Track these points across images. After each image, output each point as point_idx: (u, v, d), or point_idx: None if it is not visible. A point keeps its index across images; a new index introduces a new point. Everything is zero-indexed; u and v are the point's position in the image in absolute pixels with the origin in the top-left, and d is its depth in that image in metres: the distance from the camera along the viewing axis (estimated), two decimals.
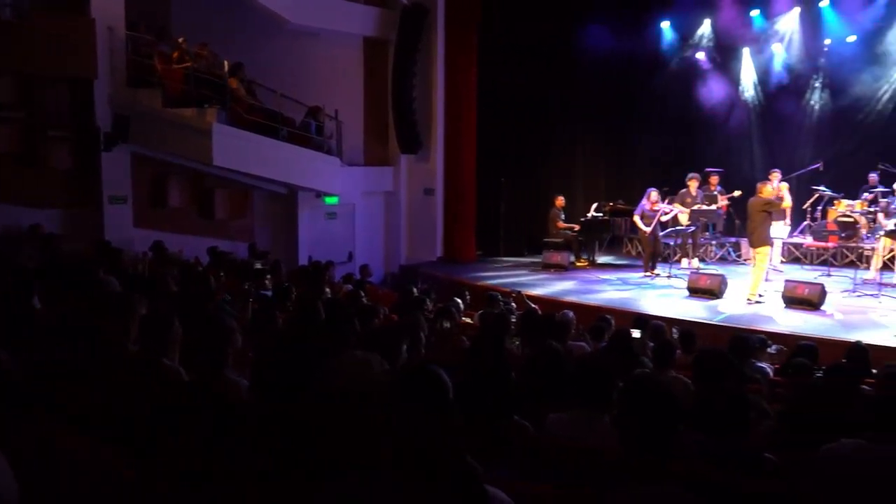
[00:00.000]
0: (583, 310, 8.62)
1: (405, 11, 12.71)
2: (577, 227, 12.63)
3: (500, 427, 3.05)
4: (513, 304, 8.23)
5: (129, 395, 2.77)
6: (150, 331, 3.42)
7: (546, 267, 12.11)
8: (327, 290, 7.34)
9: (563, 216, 12.79)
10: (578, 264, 12.48)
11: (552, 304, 8.98)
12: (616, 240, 13.90)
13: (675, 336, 6.58)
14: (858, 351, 5.66)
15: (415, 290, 8.24)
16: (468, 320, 7.45)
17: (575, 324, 6.87)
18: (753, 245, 9.45)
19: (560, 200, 12.78)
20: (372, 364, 2.71)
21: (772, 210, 9.40)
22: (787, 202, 11.43)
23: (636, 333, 5.91)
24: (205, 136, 9.96)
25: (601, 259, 12.91)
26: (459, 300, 7.83)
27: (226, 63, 10.59)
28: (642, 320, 6.88)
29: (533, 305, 8.26)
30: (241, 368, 3.32)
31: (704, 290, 9.76)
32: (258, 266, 8.00)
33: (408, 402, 1.92)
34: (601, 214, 12.87)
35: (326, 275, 8.25)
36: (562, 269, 11.93)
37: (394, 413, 1.92)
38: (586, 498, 2.30)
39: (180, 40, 10.52)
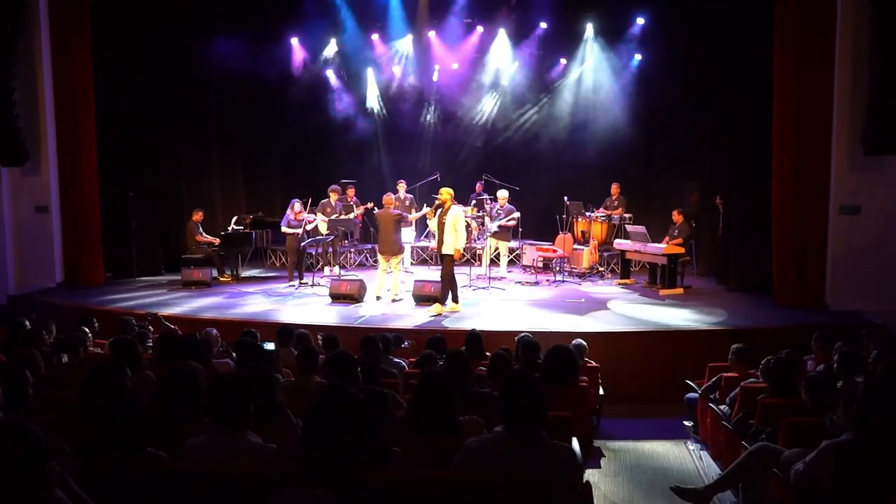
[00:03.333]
0: (228, 326, 8.40)
1: None
2: (217, 242, 12.21)
3: (132, 461, 2.82)
4: (149, 326, 7.65)
5: None
6: None
7: (186, 285, 11.42)
8: None
9: (201, 230, 12.27)
10: (222, 280, 12.06)
11: (195, 323, 8.54)
12: (259, 252, 13.79)
13: (320, 342, 6.77)
14: (473, 338, 6.48)
15: (27, 322, 7.19)
16: (98, 350, 6.75)
17: (219, 341, 6.69)
18: (388, 253, 10.14)
19: (198, 215, 12.24)
20: None
21: (402, 223, 10.21)
22: (414, 215, 12.48)
23: (270, 346, 5.86)
24: None
25: (245, 273, 12.67)
26: (87, 329, 7.06)
27: None
28: (287, 330, 6.89)
29: (172, 326, 7.85)
30: None
31: (345, 296, 10.21)
32: None
33: None
34: (242, 227, 12.64)
35: None
36: (204, 286, 11.39)
37: None
38: None
39: None
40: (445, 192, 9.31)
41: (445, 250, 9.14)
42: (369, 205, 12.64)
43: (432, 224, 9.27)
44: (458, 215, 9.25)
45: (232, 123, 14.27)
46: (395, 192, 12.55)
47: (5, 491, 1.73)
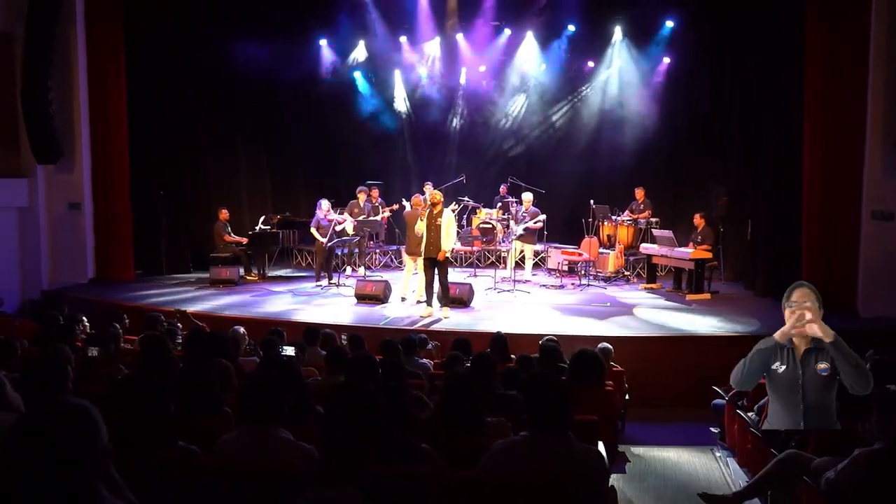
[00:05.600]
0: (254, 324, 8.45)
1: (34, 3, 11.08)
2: (245, 241, 12.29)
3: (164, 455, 2.86)
4: (178, 324, 7.74)
5: None
6: None
7: (214, 283, 11.51)
8: None
9: (229, 229, 12.36)
10: (249, 279, 12.09)
11: (222, 321, 8.60)
12: (285, 252, 13.85)
13: (345, 342, 6.82)
14: (498, 340, 6.44)
15: (61, 317, 7.35)
16: (128, 346, 6.86)
17: (246, 339, 6.76)
18: (415, 254, 10.07)
19: (224, 213, 12.29)
20: None
21: None
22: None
23: (290, 350, 5.91)
24: None
25: (272, 272, 12.68)
26: (118, 325, 7.18)
27: None
28: (313, 330, 6.91)
29: (200, 323, 7.93)
30: None
31: (371, 297, 10.19)
32: None
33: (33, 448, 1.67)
34: (269, 227, 12.68)
35: None
36: (231, 285, 11.47)
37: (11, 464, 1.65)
38: None
39: None
40: (438, 195, 9.28)
41: (442, 251, 9.10)
42: (395, 206, 12.64)
43: (420, 226, 9.08)
44: (452, 218, 9.27)
45: (259, 124, 14.28)
46: (423, 193, 12.45)
47: (64, 471, 1.68)
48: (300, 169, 15.14)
